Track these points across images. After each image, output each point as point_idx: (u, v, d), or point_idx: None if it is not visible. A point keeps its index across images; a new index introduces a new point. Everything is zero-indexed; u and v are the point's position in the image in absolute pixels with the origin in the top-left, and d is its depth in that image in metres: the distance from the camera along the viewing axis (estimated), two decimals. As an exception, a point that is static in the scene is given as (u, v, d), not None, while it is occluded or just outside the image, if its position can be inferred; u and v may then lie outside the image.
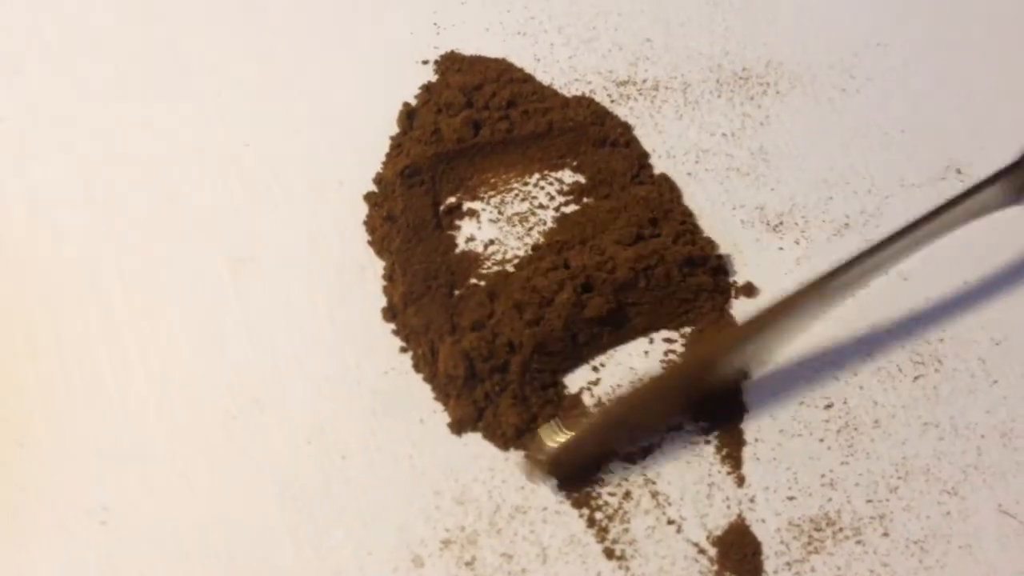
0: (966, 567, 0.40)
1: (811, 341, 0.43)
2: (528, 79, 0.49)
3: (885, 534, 0.40)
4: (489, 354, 0.41)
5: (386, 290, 0.44)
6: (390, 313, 0.43)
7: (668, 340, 0.44)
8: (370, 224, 0.45)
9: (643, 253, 0.43)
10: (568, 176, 0.47)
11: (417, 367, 0.42)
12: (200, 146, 0.47)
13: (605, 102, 0.48)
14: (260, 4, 0.51)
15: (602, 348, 0.43)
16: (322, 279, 0.44)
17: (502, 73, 0.49)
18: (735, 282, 0.45)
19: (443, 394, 0.42)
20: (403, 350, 0.43)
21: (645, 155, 0.47)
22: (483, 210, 0.46)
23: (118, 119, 0.47)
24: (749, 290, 0.45)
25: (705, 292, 0.44)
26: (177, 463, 0.40)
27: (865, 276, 0.41)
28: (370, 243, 0.45)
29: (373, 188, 0.46)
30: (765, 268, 0.45)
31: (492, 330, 0.42)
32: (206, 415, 0.41)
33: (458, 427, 0.41)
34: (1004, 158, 0.47)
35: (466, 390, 0.41)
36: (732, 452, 0.41)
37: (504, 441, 0.41)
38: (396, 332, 0.43)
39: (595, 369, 0.43)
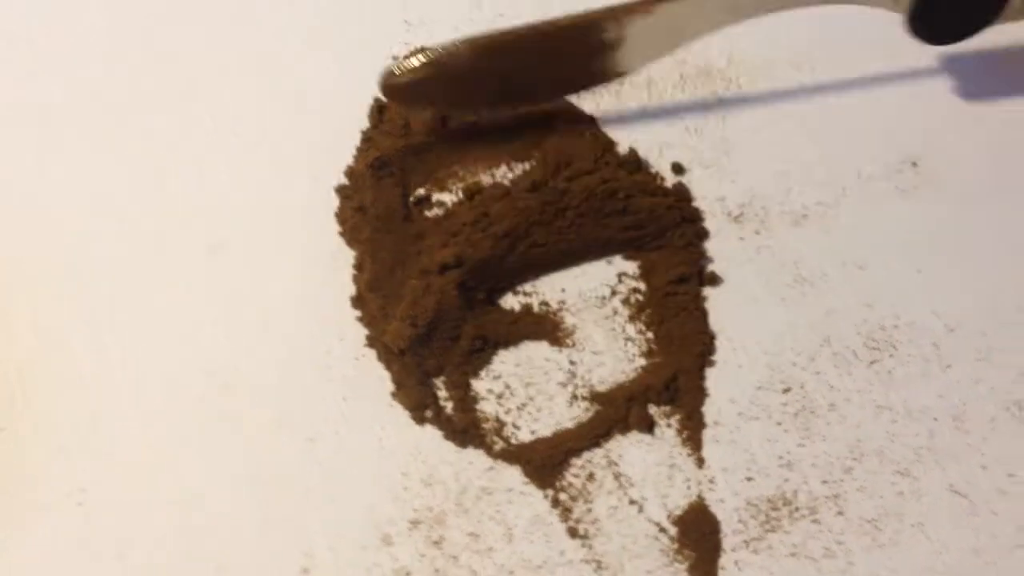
0: (918, 545, 0.41)
1: (771, 328, 0.45)
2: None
3: (840, 513, 0.41)
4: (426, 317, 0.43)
5: (355, 279, 0.45)
6: (358, 301, 0.44)
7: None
8: (341, 215, 0.46)
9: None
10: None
11: (377, 354, 0.44)
12: (176, 138, 0.48)
13: (571, 97, 0.49)
14: (237, 0, 0.51)
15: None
16: (294, 269, 0.45)
17: None
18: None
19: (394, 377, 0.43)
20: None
21: (610, 143, 0.48)
22: (451, 201, 0.47)
23: (94, 109, 0.48)
24: (712, 279, 0.46)
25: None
26: (152, 446, 0.41)
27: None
28: (340, 234, 0.46)
29: (344, 181, 0.47)
30: (726, 257, 0.46)
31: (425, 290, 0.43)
32: (179, 399, 0.42)
33: (411, 411, 0.43)
34: (960, 151, 0.49)
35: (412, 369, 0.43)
36: (692, 435, 0.43)
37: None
38: (360, 319, 0.44)
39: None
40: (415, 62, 0.44)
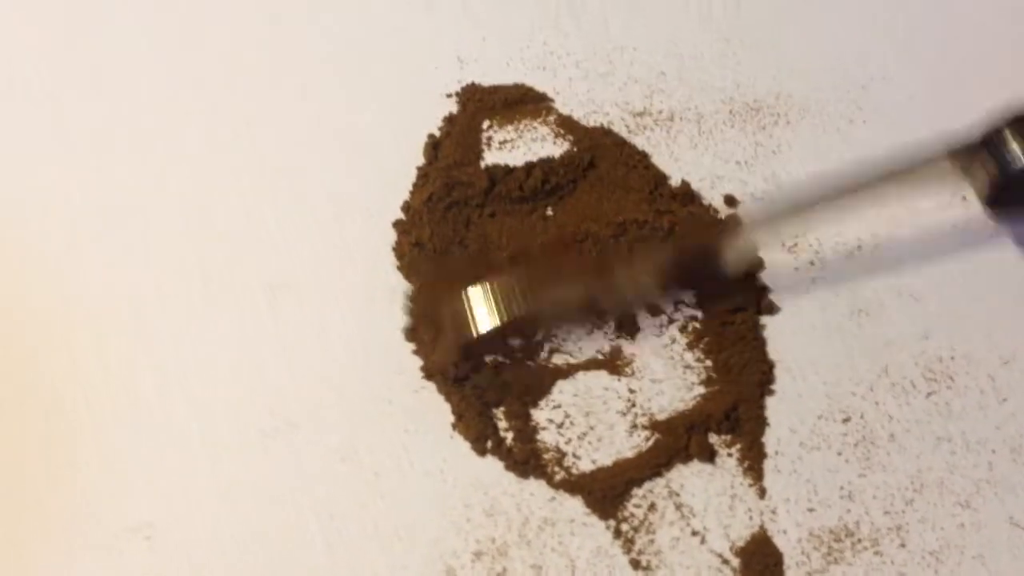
0: (979, 577, 0.41)
1: (829, 358, 0.45)
2: (548, 102, 0.51)
3: (902, 545, 0.41)
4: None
5: (410, 311, 0.45)
6: (412, 333, 0.45)
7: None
8: (399, 250, 0.47)
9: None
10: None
11: (437, 386, 0.44)
12: (235, 178, 0.48)
13: (623, 132, 0.50)
14: (293, 42, 0.52)
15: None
16: (353, 303, 0.46)
17: (523, 96, 0.51)
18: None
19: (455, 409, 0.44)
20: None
21: (663, 177, 0.48)
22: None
23: (155, 152, 0.49)
24: (769, 308, 0.46)
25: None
26: (218, 482, 0.42)
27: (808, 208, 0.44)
28: (399, 268, 0.46)
29: (401, 216, 0.47)
30: (782, 287, 0.46)
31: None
32: (245, 436, 0.43)
33: (472, 442, 0.43)
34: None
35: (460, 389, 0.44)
36: (753, 464, 0.43)
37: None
38: (416, 352, 0.45)
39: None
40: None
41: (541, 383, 0.44)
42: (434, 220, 0.47)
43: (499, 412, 0.43)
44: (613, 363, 0.45)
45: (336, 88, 0.51)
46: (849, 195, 0.43)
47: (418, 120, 0.50)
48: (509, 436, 0.43)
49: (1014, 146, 0.43)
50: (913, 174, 0.43)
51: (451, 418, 0.43)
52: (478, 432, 0.42)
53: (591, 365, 0.45)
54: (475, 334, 0.43)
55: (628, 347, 0.45)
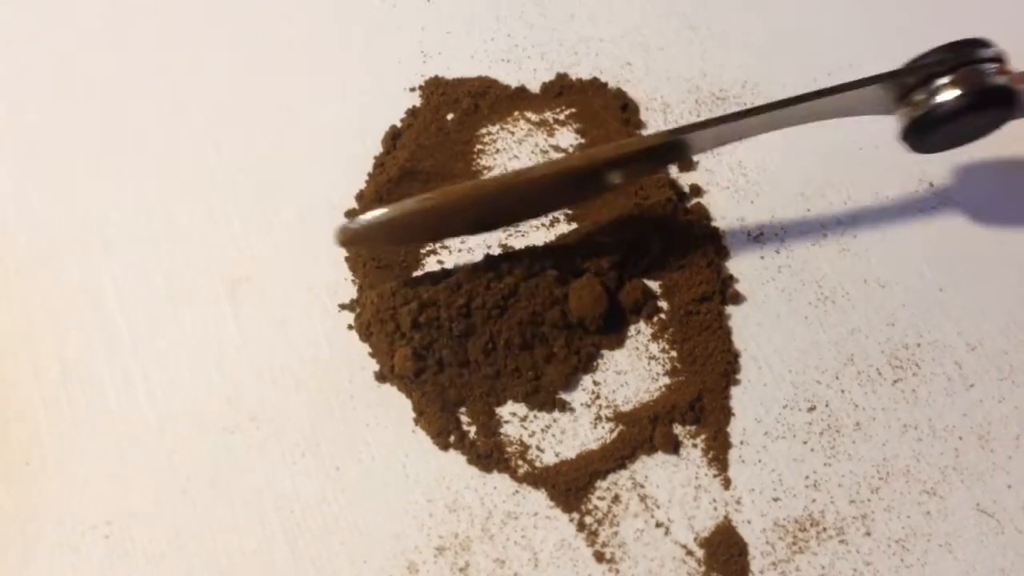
0: (946, 564, 0.41)
1: (794, 346, 0.45)
2: (512, 93, 0.51)
3: (867, 533, 0.41)
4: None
5: (357, 316, 0.45)
6: (366, 334, 0.44)
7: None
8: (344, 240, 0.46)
9: None
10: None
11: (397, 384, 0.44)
12: (197, 172, 0.48)
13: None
14: (255, 37, 0.52)
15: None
16: (315, 297, 0.45)
17: (487, 89, 0.50)
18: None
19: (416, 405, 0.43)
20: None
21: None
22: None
23: (115, 148, 0.48)
24: (735, 298, 0.46)
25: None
26: (178, 477, 0.41)
27: (724, 136, 0.44)
28: (346, 259, 0.46)
29: (355, 206, 0.47)
30: (748, 277, 0.46)
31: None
32: (205, 431, 0.42)
33: (434, 437, 0.43)
34: (971, 171, 0.49)
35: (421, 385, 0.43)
36: (718, 455, 0.42)
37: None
38: (371, 354, 0.44)
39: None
40: (371, 217, 0.42)
41: (504, 386, 0.44)
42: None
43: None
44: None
45: (299, 83, 0.51)
46: (786, 114, 0.43)
47: (381, 115, 0.50)
48: (472, 430, 0.42)
49: (942, 82, 0.42)
50: (847, 97, 0.43)
51: (412, 413, 0.43)
52: (440, 427, 0.42)
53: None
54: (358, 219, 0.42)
55: (592, 339, 0.45)
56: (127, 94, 0.50)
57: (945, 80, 0.42)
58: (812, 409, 0.43)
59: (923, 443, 0.43)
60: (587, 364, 0.44)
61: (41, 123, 0.49)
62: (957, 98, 0.42)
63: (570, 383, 0.44)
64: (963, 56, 0.42)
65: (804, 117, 0.43)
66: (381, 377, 0.43)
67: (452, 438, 0.42)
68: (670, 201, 0.47)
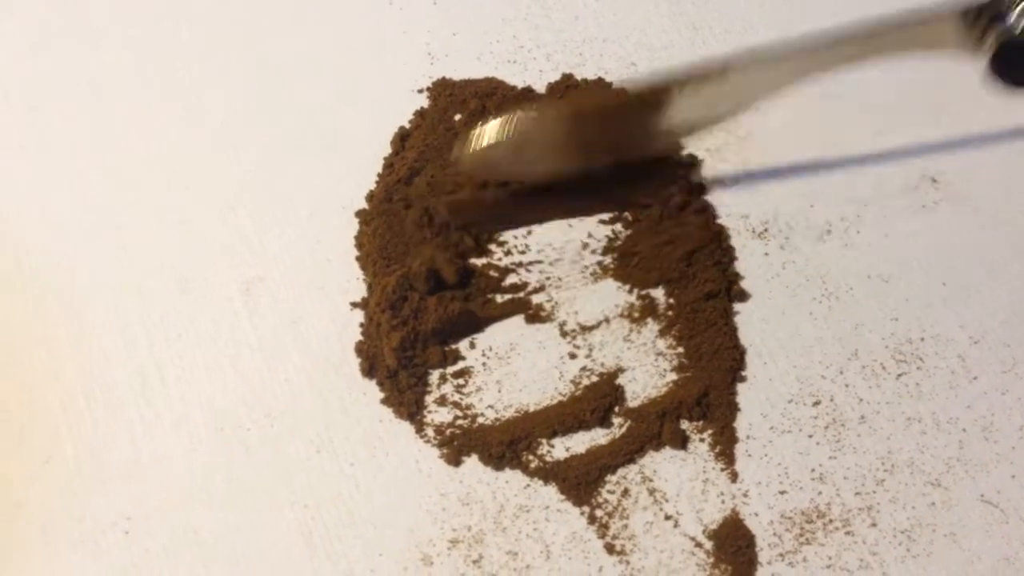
0: (951, 555, 0.41)
1: (799, 342, 0.45)
2: (518, 93, 0.52)
3: (873, 525, 0.42)
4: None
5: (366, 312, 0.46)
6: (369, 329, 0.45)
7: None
8: (359, 240, 0.47)
9: None
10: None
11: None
12: (210, 172, 0.49)
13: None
14: (265, 40, 0.53)
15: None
16: (327, 296, 0.46)
17: (494, 90, 0.51)
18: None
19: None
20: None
21: None
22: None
23: (131, 150, 0.49)
24: (740, 295, 0.46)
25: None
26: (194, 474, 0.42)
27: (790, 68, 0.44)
28: (357, 259, 0.47)
29: (365, 206, 0.48)
30: (753, 273, 0.47)
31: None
32: (221, 428, 0.43)
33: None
34: (973, 165, 0.50)
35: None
36: (725, 449, 0.43)
37: None
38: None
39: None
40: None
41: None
42: (392, 210, 0.47)
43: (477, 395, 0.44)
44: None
45: (310, 86, 0.52)
46: (847, 48, 0.43)
47: (390, 116, 0.50)
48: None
49: (1017, 11, 0.42)
50: (915, 31, 0.43)
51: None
52: (409, 411, 0.43)
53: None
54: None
55: (600, 336, 0.45)
56: (142, 96, 0.51)
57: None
58: (817, 403, 0.44)
59: (927, 436, 0.44)
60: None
61: (58, 124, 0.50)
62: None
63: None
64: None
65: (861, 50, 0.43)
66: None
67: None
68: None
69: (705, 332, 0.45)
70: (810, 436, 0.43)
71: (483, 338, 0.45)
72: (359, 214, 0.48)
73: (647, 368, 0.45)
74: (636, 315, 0.46)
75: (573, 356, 0.45)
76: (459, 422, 0.43)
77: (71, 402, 0.43)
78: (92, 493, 0.41)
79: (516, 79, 0.52)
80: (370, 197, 0.48)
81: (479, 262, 0.46)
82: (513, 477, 0.42)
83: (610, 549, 0.41)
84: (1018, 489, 0.43)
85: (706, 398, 0.44)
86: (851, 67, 0.44)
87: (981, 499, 0.43)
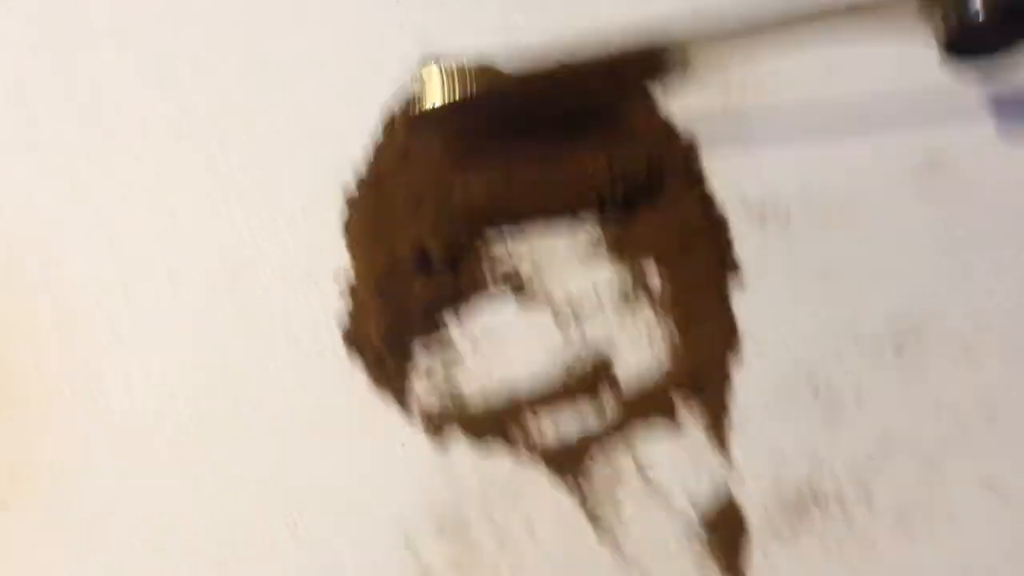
0: (950, 539, 0.41)
1: (796, 322, 0.45)
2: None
3: (870, 509, 0.41)
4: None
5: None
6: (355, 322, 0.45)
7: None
8: (347, 225, 0.47)
9: None
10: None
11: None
12: (197, 161, 0.48)
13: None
14: (258, 30, 0.52)
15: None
16: (315, 284, 0.45)
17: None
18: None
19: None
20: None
21: None
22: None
23: (117, 138, 0.49)
24: (737, 275, 0.46)
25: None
26: (179, 466, 0.42)
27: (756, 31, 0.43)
28: (347, 246, 0.46)
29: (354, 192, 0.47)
30: (750, 256, 0.46)
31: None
32: (205, 419, 0.43)
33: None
34: (976, 149, 0.49)
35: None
36: (719, 431, 0.42)
37: None
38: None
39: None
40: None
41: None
42: (379, 193, 0.46)
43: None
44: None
45: (300, 74, 0.51)
46: (801, 24, 0.42)
47: (380, 104, 0.50)
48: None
49: None
50: (874, 8, 0.42)
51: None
52: (397, 396, 0.43)
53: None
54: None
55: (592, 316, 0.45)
56: (129, 86, 0.50)
57: None
58: (814, 387, 0.43)
59: (926, 420, 0.43)
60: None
61: (44, 118, 0.50)
62: None
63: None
64: None
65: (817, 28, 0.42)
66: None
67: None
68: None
69: (701, 313, 0.45)
70: (807, 420, 0.43)
71: (472, 321, 0.45)
72: (349, 201, 0.47)
73: (640, 350, 0.44)
74: (630, 295, 0.45)
75: (565, 337, 0.44)
76: (447, 406, 0.43)
77: (55, 394, 0.43)
78: (75, 487, 0.41)
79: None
80: (360, 184, 0.48)
81: (468, 243, 0.46)
82: (501, 460, 0.42)
83: (600, 532, 0.41)
84: (1018, 474, 0.42)
85: (701, 379, 0.43)
86: (806, 45, 0.43)
87: (980, 483, 0.42)
